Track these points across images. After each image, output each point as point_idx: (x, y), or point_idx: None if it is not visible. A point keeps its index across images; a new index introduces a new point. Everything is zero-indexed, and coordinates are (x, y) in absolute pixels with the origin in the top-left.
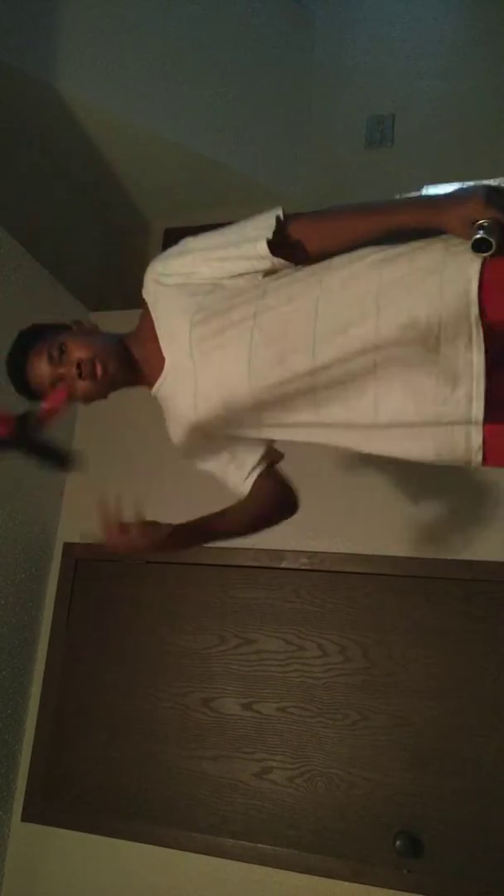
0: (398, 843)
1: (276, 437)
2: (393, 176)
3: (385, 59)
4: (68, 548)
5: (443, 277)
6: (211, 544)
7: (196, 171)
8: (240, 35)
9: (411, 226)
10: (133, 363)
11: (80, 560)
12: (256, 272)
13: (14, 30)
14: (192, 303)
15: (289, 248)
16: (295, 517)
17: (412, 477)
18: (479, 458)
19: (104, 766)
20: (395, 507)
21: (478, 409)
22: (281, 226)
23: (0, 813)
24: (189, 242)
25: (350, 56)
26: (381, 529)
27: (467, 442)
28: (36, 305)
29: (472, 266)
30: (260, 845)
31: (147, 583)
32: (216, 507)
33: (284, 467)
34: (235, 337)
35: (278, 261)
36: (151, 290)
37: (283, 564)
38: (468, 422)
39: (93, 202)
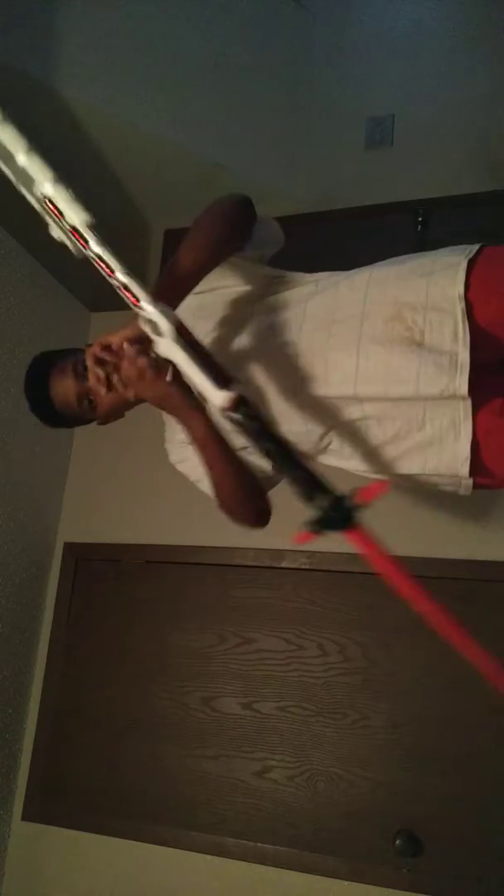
0: (398, 842)
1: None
2: (393, 177)
3: (385, 60)
4: (68, 548)
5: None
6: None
7: (196, 171)
8: (239, 35)
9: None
10: None
11: (80, 560)
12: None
13: (14, 30)
14: None
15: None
16: (295, 517)
17: None
18: (466, 469)
19: (104, 766)
20: (395, 506)
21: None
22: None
23: (0, 812)
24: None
25: (350, 56)
26: (381, 529)
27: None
28: (36, 305)
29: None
30: (260, 844)
31: (147, 582)
32: (214, 505)
33: None
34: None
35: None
36: None
37: (283, 564)
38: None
39: (93, 202)
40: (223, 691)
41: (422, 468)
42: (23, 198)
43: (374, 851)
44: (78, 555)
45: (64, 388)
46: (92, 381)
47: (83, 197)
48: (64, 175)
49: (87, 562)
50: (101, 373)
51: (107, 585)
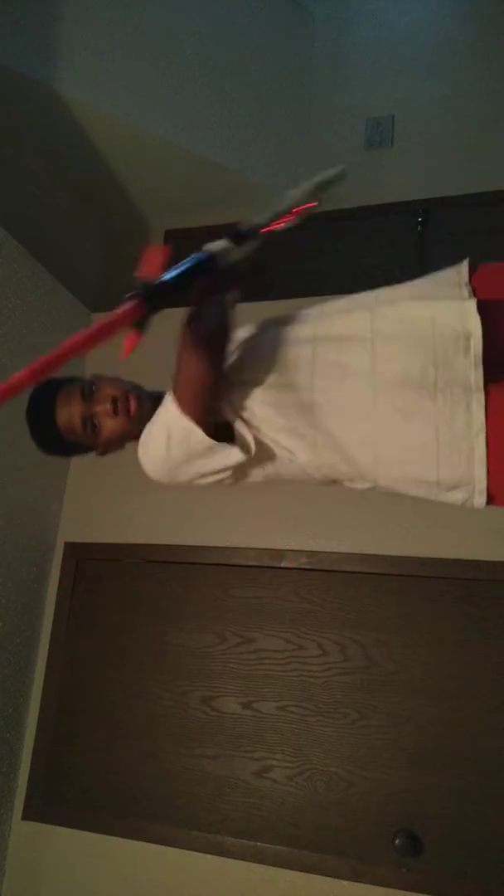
0: (398, 841)
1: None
2: (393, 177)
3: (385, 61)
4: (68, 548)
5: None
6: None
7: (196, 171)
8: (239, 35)
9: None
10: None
11: (80, 560)
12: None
13: (14, 31)
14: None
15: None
16: (295, 517)
17: None
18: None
19: (104, 765)
20: (395, 506)
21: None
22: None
23: (0, 812)
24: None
25: (350, 57)
26: (382, 529)
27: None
28: (36, 306)
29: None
30: (260, 844)
31: (147, 582)
32: (215, 505)
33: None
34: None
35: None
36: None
37: (283, 564)
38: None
39: (93, 203)
40: (223, 691)
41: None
42: (22, 198)
43: (374, 851)
44: (78, 555)
45: (70, 409)
46: (101, 405)
47: (84, 198)
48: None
49: (87, 562)
50: (109, 407)
51: (107, 585)
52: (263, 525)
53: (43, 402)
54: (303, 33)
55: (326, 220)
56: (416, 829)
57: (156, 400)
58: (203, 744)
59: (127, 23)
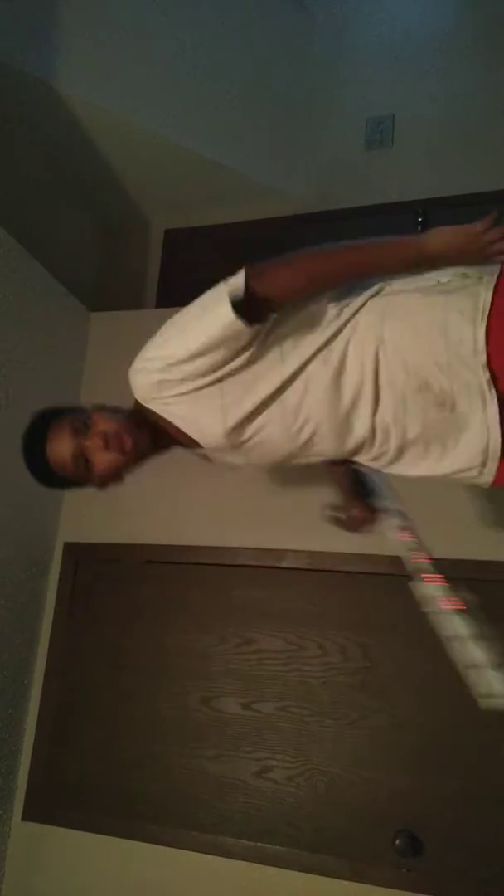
0: (398, 842)
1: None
2: (393, 177)
3: (385, 60)
4: (68, 548)
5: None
6: None
7: (196, 171)
8: (240, 35)
9: (393, 267)
10: (160, 434)
11: (80, 560)
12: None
13: (14, 29)
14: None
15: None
16: (295, 517)
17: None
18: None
19: (104, 766)
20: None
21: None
22: (249, 296)
23: (0, 812)
24: (153, 362)
25: (350, 56)
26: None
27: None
28: (36, 305)
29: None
30: (260, 844)
31: (147, 583)
32: (215, 505)
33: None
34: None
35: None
36: (157, 408)
37: (283, 564)
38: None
39: (93, 202)
40: (223, 691)
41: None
42: (22, 197)
43: (375, 851)
44: (78, 555)
45: (61, 443)
46: (91, 440)
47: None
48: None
49: (87, 562)
50: (101, 442)
51: (107, 585)
52: (263, 525)
53: (36, 436)
54: (303, 33)
55: (327, 220)
56: (416, 830)
57: (155, 431)
58: (203, 744)
59: (127, 22)
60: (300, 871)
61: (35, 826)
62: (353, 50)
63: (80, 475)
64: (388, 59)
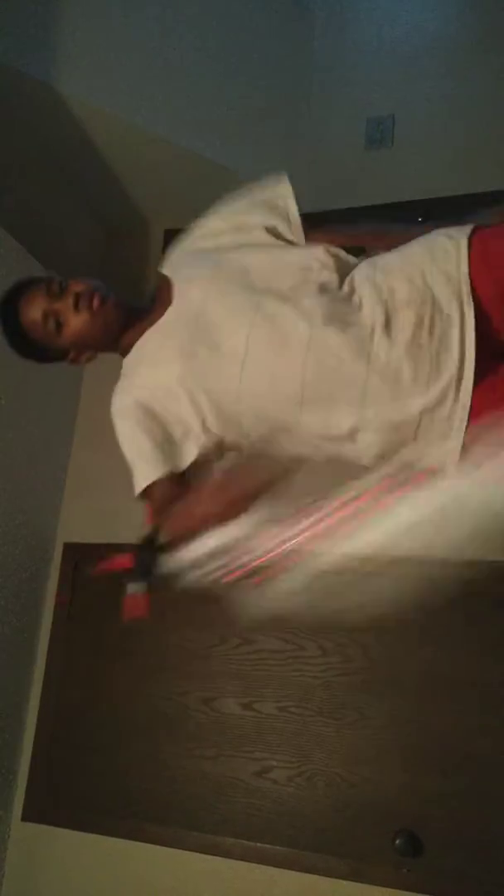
0: (398, 842)
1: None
2: (392, 177)
3: (385, 60)
4: (68, 548)
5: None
6: None
7: (196, 171)
8: (240, 35)
9: None
10: (132, 311)
11: (80, 560)
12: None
13: (13, 30)
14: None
15: None
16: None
17: None
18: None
19: (104, 766)
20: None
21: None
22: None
23: (0, 812)
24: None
25: (350, 56)
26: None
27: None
28: None
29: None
30: (260, 844)
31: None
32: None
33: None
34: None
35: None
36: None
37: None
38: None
39: (93, 202)
40: (223, 691)
41: None
42: (21, 197)
43: (374, 851)
44: (78, 555)
45: (33, 305)
46: (63, 301)
47: (83, 197)
48: (63, 173)
49: (87, 562)
50: (71, 302)
51: (106, 586)
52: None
53: (12, 297)
54: (303, 33)
55: (326, 220)
56: (416, 829)
57: (130, 309)
58: (203, 744)
59: (127, 22)
60: (300, 871)
61: (35, 827)
62: (353, 50)
63: (49, 337)
64: (388, 59)
